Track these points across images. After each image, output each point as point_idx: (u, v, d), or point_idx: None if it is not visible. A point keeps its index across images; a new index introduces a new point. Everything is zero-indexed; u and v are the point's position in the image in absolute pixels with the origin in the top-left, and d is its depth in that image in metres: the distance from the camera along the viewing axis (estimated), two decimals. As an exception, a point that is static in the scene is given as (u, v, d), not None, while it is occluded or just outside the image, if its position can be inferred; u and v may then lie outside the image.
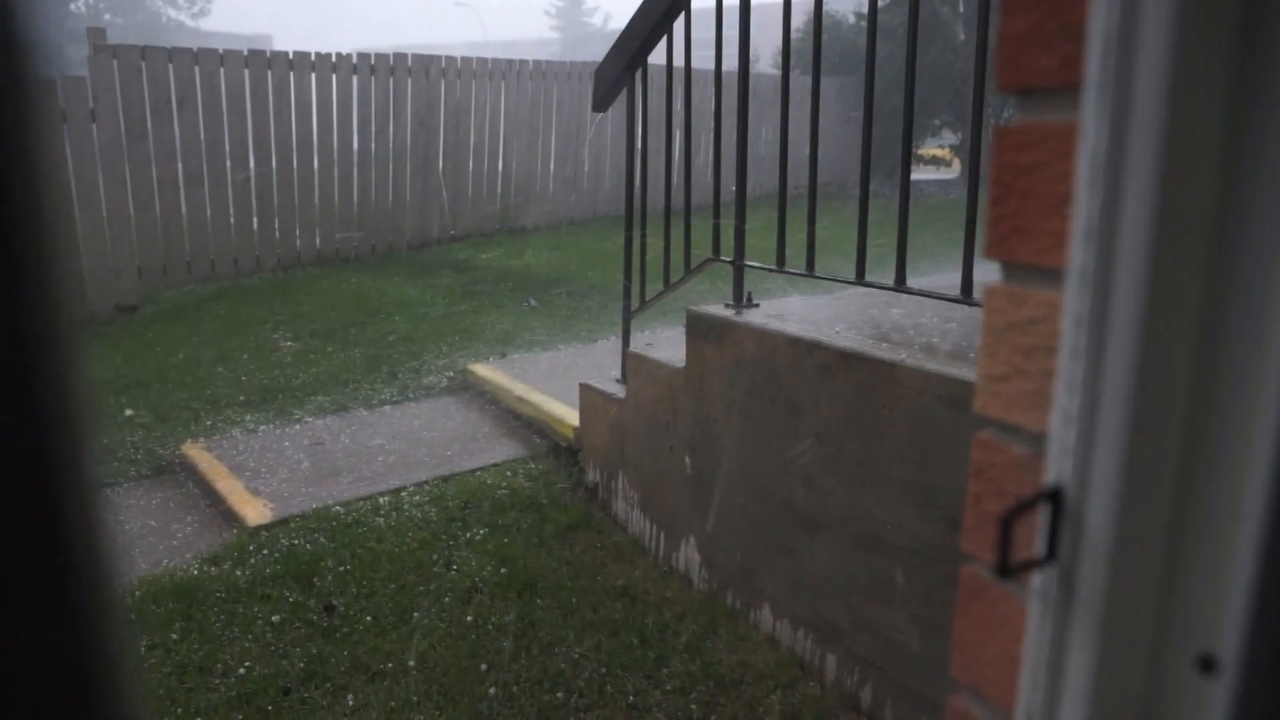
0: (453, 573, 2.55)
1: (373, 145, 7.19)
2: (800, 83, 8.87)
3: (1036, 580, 0.51)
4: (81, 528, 0.25)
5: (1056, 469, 0.49)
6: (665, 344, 2.81)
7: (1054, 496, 0.48)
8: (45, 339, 0.24)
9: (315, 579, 2.52)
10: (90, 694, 0.26)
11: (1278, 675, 0.42)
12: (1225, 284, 0.44)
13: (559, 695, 2.06)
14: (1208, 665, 0.46)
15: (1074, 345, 0.47)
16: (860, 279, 2.08)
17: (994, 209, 0.53)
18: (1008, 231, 0.53)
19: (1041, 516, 0.49)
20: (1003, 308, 0.55)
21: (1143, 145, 0.42)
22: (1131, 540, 0.46)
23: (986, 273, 0.60)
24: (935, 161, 14.27)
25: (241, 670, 2.15)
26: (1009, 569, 0.49)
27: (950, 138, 13.85)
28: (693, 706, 2.02)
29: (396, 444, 3.45)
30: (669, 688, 2.08)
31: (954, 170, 14.00)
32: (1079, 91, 0.45)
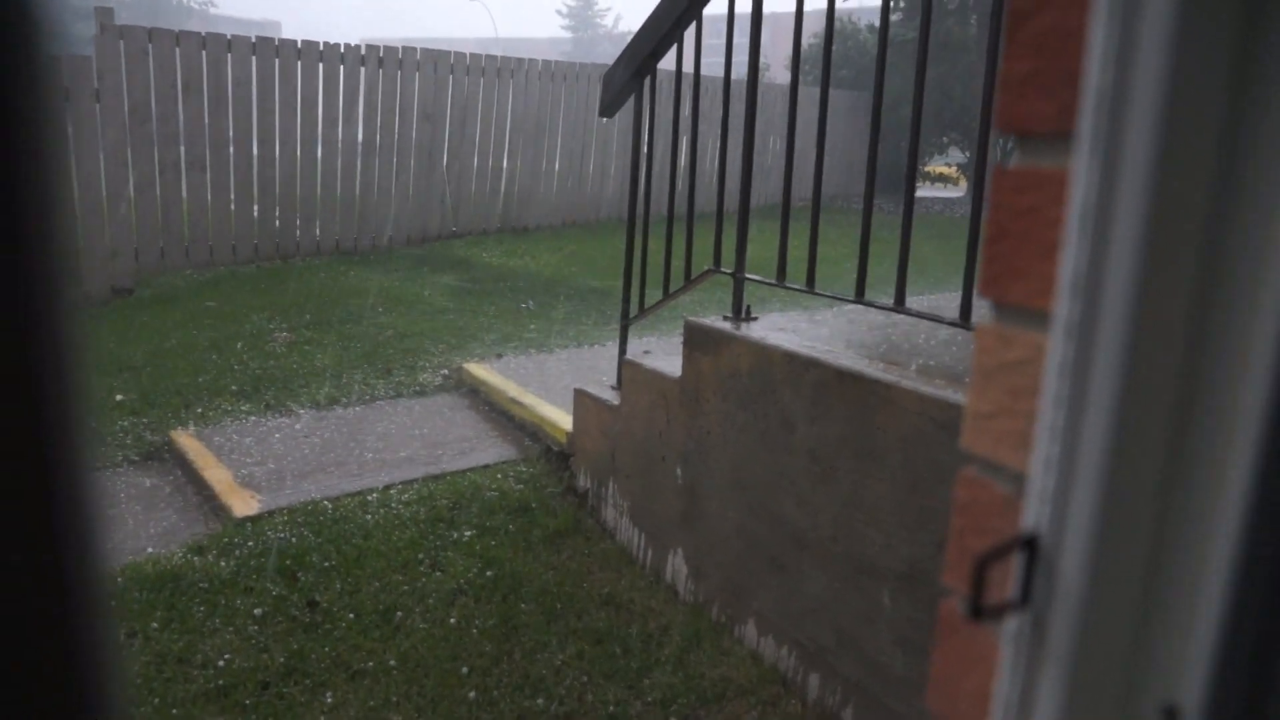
0: (438, 573, 2.54)
1: (377, 138, 7.19)
2: (811, 94, 8.88)
3: (1010, 623, 0.51)
4: (74, 512, 0.25)
5: (1034, 515, 0.49)
6: (662, 353, 2.80)
7: (1030, 542, 0.48)
8: (45, 321, 0.24)
9: (299, 574, 2.51)
10: (75, 677, 0.26)
11: None
12: (1207, 342, 0.43)
13: (539, 701, 2.05)
14: (1171, 715, 0.46)
15: (1056, 393, 0.47)
16: (860, 297, 2.07)
17: (989, 249, 0.53)
18: (1001, 271, 0.52)
19: (1017, 561, 0.49)
20: (993, 348, 0.54)
21: (1131, 200, 0.42)
22: (1103, 590, 0.46)
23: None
24: (942, 179, 14.30)
25: (221, 662, 2.14)
26: (982, 611, 0.49)
27: (958, 155, 13.87)
28: (673, 719, 2.01)
29: (388, 441, 3.44)
30: (650, 699, 2.07)
31: (961, 189, 14.03)
32: (1075, 139, 0.45)
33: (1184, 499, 0.45)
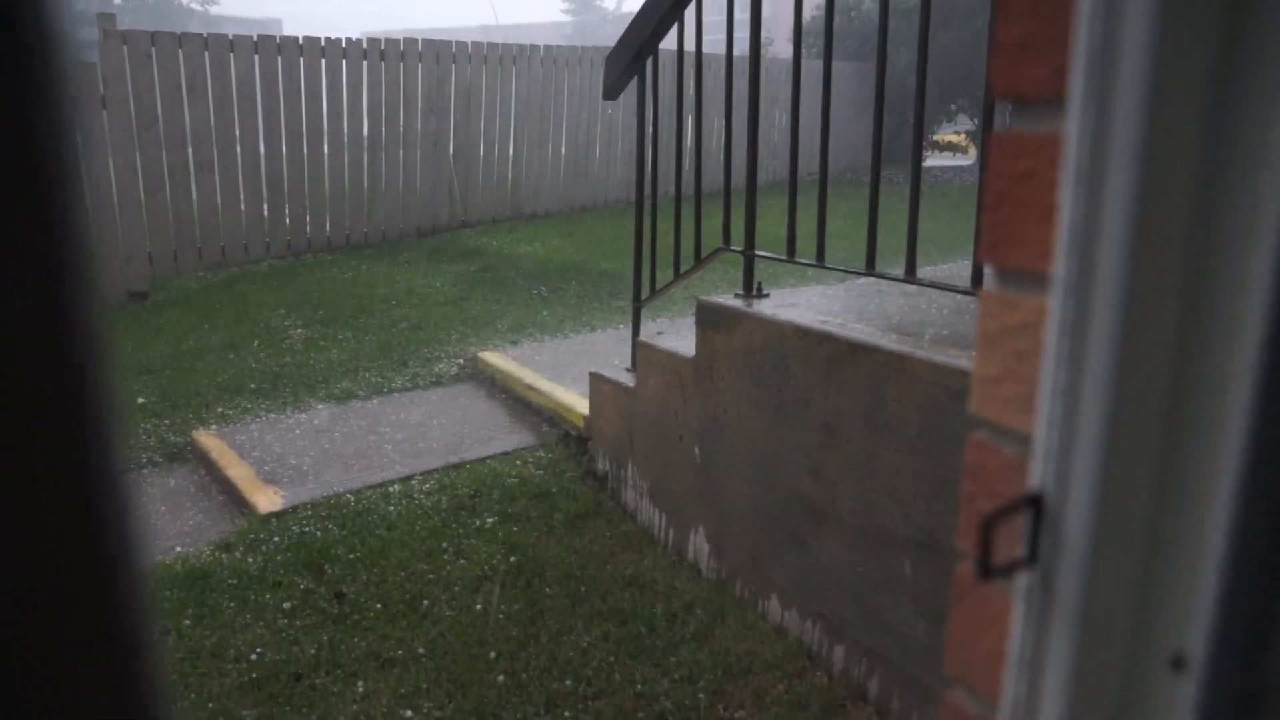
0: (462, 561, 2.57)
1: (383, 131, 7.19)
2: (816, 67, 8.80)
3: (1021, 581, 0.52)
4: (112, 512, 0.26)
5: (1040, 474, 0.50)
6: (675, 333, 2.81)
7: (1036, 501, 0.49)
8: (77, 327, 0.24)
9: (326, 566, 2.54)
10: (119, 675, 0.26)
11: (1240, 672, 0.44)
12: (1203, 295, 0.44)
13: (567, 683, 2.08)
14: (1178, 664, 0.47)
15: (1057, 351, 0.47)
16: (870, 269, 2.07)
17: (988, 215, 0.53)
18: (1001, 237, 0.53)
19: (1024, 520, 0.50)
20: (996, 312, 0.55)
21: (1122, 157, 0.42)
22: (1109, 545, 0.47)
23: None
24: (951, 148, 14.15)
25: (253, 656, 2.17)
26: (990, 570, 0.50)
27: (967, 123, 13.72)
28: (700, 695, 2.03)
29: (406, 432, 3.47)
30: (677, 676, 2.09)
31: (970, 156, 13.89)
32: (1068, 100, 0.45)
33: (1184, 453, 0.45)
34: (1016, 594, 0.52)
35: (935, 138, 13.30)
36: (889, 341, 1.90)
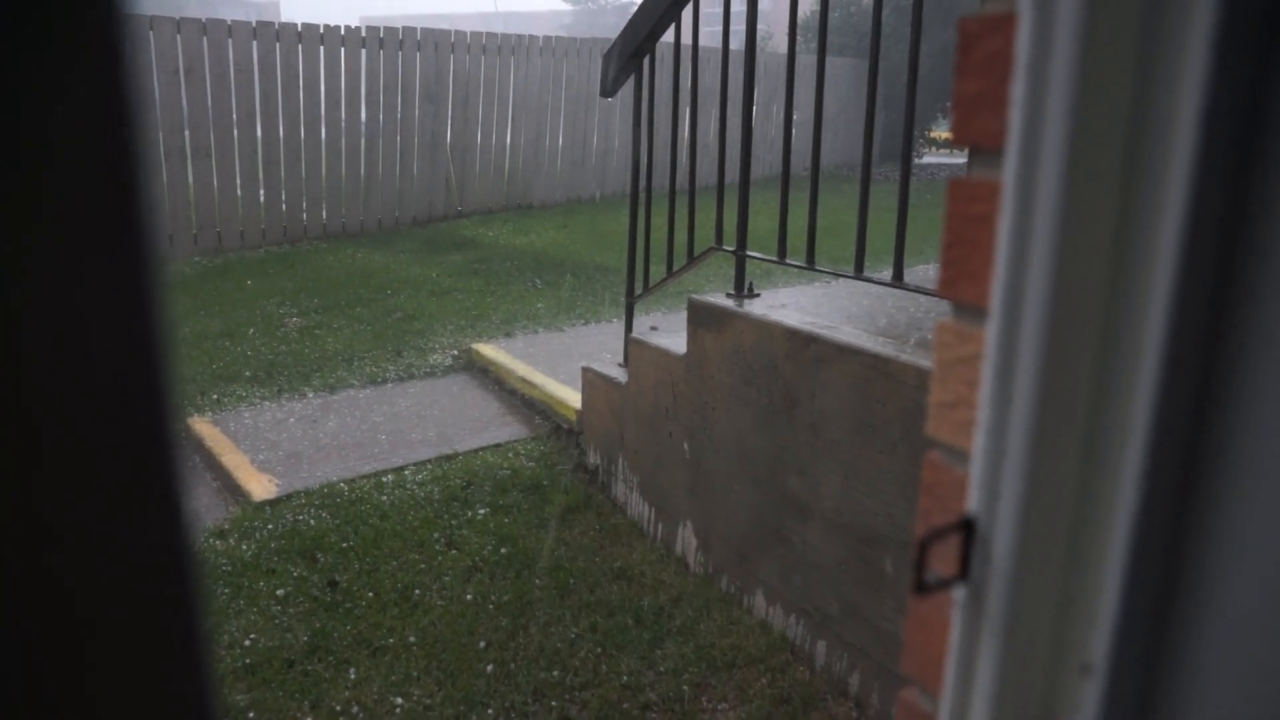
0: (454, 551, 2.61)
1: (380, 119, 7.20)
2: (814, 63, 8.82)
3: (957, 594, 0.56)
4: (169, 476, 0.27)
5: (973, 499, 0.54)
6: (667, 330, 2.84)
7: (969, 524, 0.53)
8: (145, 289, 0.25)
9: (319, 555, 2.58)
10: (170, 640, 0.27)
11: (1133, 678, 0.49)
12: (1114, 345, 0.48)
13: (555, 674, 2.12)
14: (1085, 669, 0.52)
15: (988, 393, 0.51)
16: (859, 273, 2.11)
17: (946, 254, 0.57)
18: (957, 275, 0.57)
19: (959, 541, 0.54)
20: (951, 343, 0.59)
21: (1045, 215, 0.46)
22: (1031, 566, 0.52)
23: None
24: (949, 145, 14.15)
25: (247, 642, 2.21)
26: (925, 587, 0.54)
27: (962, 120, 13.71)
28: (684, 687, 2.07)
29: (400, 422, 3.50)
30: (662, 669, 2.13)
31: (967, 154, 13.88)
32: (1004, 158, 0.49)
33: (1094, 487, 0.50)
34: (953, 605, 0.57)
35: (933, 135, 13.32)
36: (875, 344, 1.94)
